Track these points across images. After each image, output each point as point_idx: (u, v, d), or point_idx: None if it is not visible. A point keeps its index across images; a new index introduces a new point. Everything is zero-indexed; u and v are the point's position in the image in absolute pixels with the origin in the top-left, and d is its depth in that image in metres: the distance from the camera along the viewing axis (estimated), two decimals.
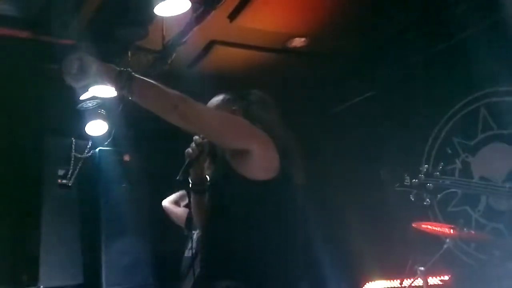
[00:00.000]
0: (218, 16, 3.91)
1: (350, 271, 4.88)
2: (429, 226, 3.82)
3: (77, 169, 4.83)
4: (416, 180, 3.34)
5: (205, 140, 2.31)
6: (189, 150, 2.31)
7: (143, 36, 3.83)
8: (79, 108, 4.59)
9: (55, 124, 4.83)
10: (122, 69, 2.03)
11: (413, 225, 3.85)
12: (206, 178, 2.43)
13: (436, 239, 3.88)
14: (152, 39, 3.96)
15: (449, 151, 4.46)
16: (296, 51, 4.75)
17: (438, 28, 4.47)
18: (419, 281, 3.72)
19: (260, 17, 4.19)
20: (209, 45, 4.57)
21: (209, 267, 2.22)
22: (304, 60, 4.93)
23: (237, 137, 2.11)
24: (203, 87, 2.70)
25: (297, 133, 2.35)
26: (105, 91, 4.20)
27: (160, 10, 3.50)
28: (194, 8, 3.62)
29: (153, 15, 3.59)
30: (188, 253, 3.49)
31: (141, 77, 2.06)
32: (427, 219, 4.18)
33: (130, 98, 2.04)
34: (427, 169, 3.34)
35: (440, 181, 3.28)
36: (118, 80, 2.02)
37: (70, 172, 4.81)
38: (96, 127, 4.73)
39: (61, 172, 4.79)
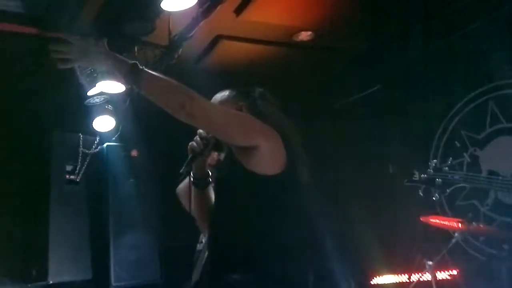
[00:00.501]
0: (224, 10, 3.90)
1: (358, 265, 4.87)
2: (437, 220, 3.82)
3: (85, 165, 4.84)
4: (425, 175, 3.33)
5: (210, 134, 2.30)
6: (193, 143, 2.29)
7: (150, 31, 3.83)
8: (87, 104, 4.60)
9: (63, 120, 4.84)
10: (134, 62, 2.04)
11: (422, 219, 3.84)
12: (209, 172, 2.42)
13: (444, 233, 3.87)
14: (158, 34, 3.96)
15: (458, 144, 4.44)
16: (302, 45, 4.73)
17: (446, 21, 4.44)
18: (427, 276, 3.71)
19: (266, 11, 4.17)
20: (215, 40, 4.56)
21: (217, 261, 2.22)
22: (310, 54, 4.91)
23: (245, 135, 2.11)
24: (209, 81, 2.69)
25: (302, 128, 2.34)
26: (113, 86, 4.21)
27: (166, 5, 3.50)
28: (200, 3, 3.61)
29: (160, 10, 3.59)
30: (199, 247, 3.50)
31: (151, 72, 2.06)
32: (435, 213, 4.16)
33: (138, 92, 2.05)
34: (436, 164, 3.33)
35: (449, 176, 3.27)
36: (128, 73, 2.03)
37: (78, 168, 4.82)
38: (104, 123, 4.74)
39: (69, 168, 4.81)
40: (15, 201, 4.81)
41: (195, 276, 2.79)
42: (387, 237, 4.69)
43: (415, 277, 3.87)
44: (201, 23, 3.82)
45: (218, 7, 3.72)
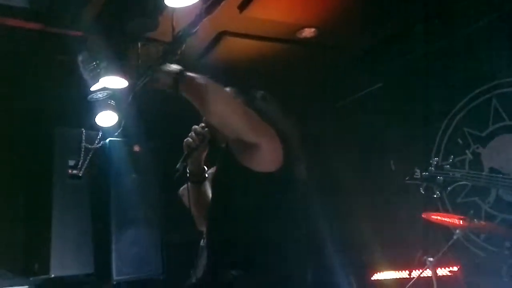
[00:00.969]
0: (228, 6, 3.90)
1: (358, 261, 4.88)
2: (438, 217, 3.82)
3: (88, 160, 4.85)
4: (426, 173, 3.33)
5: (206, 129, 2.30)
6: (189, 139, 2.30)
7: (154, 27, 3.82)
8: (89, 99, 4.59)
9: (65, 115, 4.85)
10: (182, 69, 2.05)
11: (423, 215, 3.85)
12: (205, 168, 2.42)
13: (445, 230, 3.87)
14: (161, 31, 3.95)
15: (460, 142, 4.44)
16: (306, 42, 4.74)
17: (448, 19, 4.44)
18: (428, 272, 3.72)
19: (270, 7, 4.18)
20: (219, 36, 4.56)
21: (215, 257, 2.23)
22: (313, 51, 4.92)
23: (250, 130, 2.12)
24: (213, 78, 2.70)
25: (303, 126, 2.35)
26: (116, 82, 4.21)
27: (170, 1, 3.50)
28: None
29: (164, 6, 3.59)
30: (203, 243, 3.51)
31: (192, 76, 2.07)
32: (436, 210, 4.17)
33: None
34: (437, 162, 3.33)
35: (451, 174, 3.27)
36: (174, 81, 2.05)
37: (80, 163, 4.83)
38: (106, 118, 4.73)
39: (71, 163, 4.81)
40: (17, 196, 4.83)
41: (198, 273, 2.80)
42: (388, 233, 4.70)
43: (415, 274, 3.88)
44: (205, 20, 3.82)
45: (222, 3, 3.72)
